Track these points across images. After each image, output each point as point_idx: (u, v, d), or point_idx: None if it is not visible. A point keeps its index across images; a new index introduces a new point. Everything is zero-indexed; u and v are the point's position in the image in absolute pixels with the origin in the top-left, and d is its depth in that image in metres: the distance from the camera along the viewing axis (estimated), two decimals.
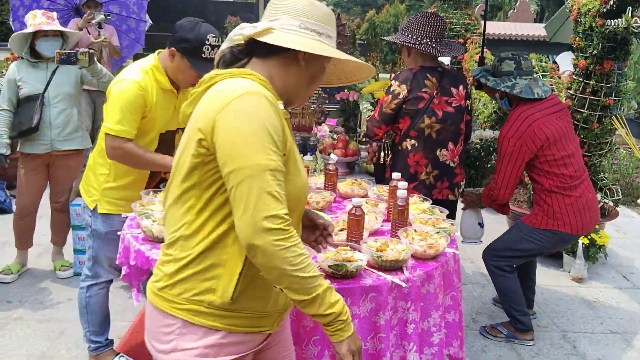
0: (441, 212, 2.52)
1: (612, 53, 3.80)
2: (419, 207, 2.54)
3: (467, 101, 3.05)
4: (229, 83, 1.39)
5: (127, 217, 2.43)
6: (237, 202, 1.28)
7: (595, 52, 3.80)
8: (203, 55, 2.35)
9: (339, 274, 1.90)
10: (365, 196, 2.84)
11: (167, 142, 2.60)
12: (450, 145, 2.98)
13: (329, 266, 1.90)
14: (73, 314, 3.31)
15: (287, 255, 1.28)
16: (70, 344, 3.04)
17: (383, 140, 3.15)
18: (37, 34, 3.53)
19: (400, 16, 20.58)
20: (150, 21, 6.17)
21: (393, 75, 3.09)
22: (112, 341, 2.86)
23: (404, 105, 2.90)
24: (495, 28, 15.91)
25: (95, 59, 3.47)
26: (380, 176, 3.15)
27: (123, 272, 2.28)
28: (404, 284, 1.93)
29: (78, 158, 3.86)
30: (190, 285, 1.40)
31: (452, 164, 3.00)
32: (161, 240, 2.09)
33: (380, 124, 2.96)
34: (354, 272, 1.91)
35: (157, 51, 2.50)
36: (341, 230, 2.22)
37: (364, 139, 3.33)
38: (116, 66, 6.38)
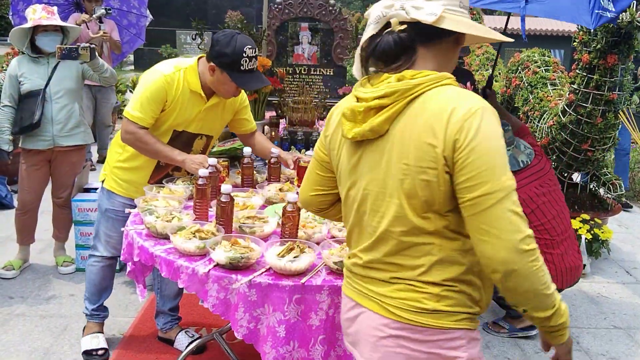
0: None
1: (616, 47, 3.78)
2: None
3: None
4: (448, 96, 1.26)
5: (130, 212, 2.41)
6: (489, 226, 1.20)
7: (599, 46, 3.78)
8: (242, 67, 2.39)
9: (342, 271, 1.88)
10: None
11: (181, 142, 2.63)
12: None
13: (334, 263, 1.89)
14: (76, 309, 3.31)
15: (539, 274, 1.22)
16: (74, 340, 3.03)
17: None
18: (37, 29, 3.51)
19: None
20: (151, 16, 6.15)
21: None
22: (100, 315, 2.97)
23: None
24: (496, 22, 15.87)
25: (97, 53, 3.47)
26: None
27: (128, 268, 2.28)
28: None
29: (80, 154, 3.85)
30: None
31: None
32: (165, 237, 2.08)
33: None
34: None
35: (199, 55, 2.55)
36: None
37: None
38: (117, 61, 6.36)
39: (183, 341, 2.92)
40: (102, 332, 2.97)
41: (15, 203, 3.90)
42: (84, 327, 2.98)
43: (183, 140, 2.64)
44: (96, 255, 2.84)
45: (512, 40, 1.52)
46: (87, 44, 3.36)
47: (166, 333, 2.98)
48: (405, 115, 1.28)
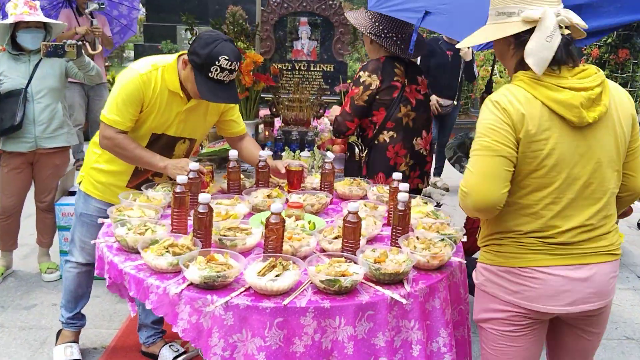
0: (446, 215, 2.31)
1: (628, 41, 3.57)
2: (421, 210, 2.33)
3: (429, 89, 3.07)
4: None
5: (103, 222, 2.23)
6: None
7: (610, 40, 3.57)
8: (210, 74, 2.20)
9: (332, 290, 1.70)
10: (365, 197, 2.64)
11: (161, 146, 2.45)
12: (424, 133, 2.94)
13: (320, 281, 1.70)
14: (56, 321, 3.13)
15: None
16: (53, 354, 2.86)
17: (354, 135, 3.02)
18: (18, 25, 3.33)
19: None
20: (144, 9, 6.00)
21: (361, 65, 2.94)
22: (76, 323, 2.81)
23: (377, 97, 2.78)
24: None
25: (83, 51, 3.29)
26: (354, 175, 2.89)
27: (107, 282, 2.09)
28: (404, 300, 1.73)
29: (64, 156, 3.67)
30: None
31: (424, 152, 2.96)
32: (136, 251, 1.90)
33: (353, 117, 2.83)
34: (349, 287, 1.71)
35: (179, 52, 2.37)
36: (336, 237, 2.01)
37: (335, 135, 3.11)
38: (107, 52, 6.23)
39: (167, 356, 2.75)
40: (77, 342, 2.80)
41: None
42: (58, 335, 2.82)
43: (163, 144, 2.46)
44: (72, 261, 2.68)
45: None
46: (74, 41, 3.19)
47: (149, 347, 2.80)
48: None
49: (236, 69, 2.24)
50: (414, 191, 2.80)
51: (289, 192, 2.56)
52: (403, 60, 2.86)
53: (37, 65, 3.41)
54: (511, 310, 1.73)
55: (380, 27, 2.79)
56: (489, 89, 2.95)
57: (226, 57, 2.18)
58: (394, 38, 2.79)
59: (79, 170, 2.69)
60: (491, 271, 1.76)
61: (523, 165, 1.65)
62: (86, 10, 5.46)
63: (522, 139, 1.62)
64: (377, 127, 2.84)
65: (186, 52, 2.31)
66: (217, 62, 2.17)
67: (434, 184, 6.03)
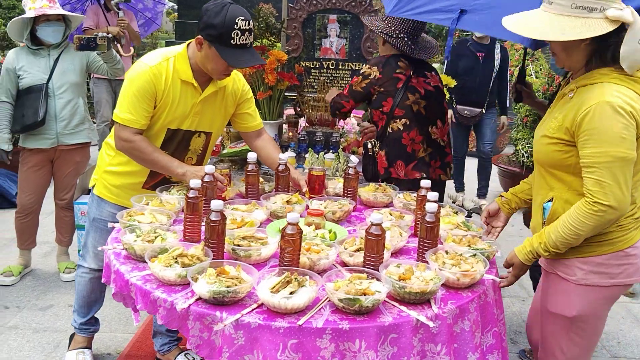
0: (479, 227, 2.14)
1: None
2: (451, 220, 2.17)
3: (442, 85, 3.01)
4: None
5: (113, 227, 2.13)
6: None
7: None
8: (232, 42, 2.08)
9: (351, 310, 1.56)
10: (390, 205, 2.49)
11: (177, 142, 2.34)
12: (439, 123, 2.92)
13: (339, 300, 1.56)
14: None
15: None
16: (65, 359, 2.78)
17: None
18: (38, 19, 3.27)
19: None
20: (171, 3, 5.96)
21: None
22: (89, 329, 2.71)
23: (381, 88, 2.84)
24: None
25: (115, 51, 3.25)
26: (371, 170, 2.92)
27: (113, 290, 1.99)
28: (431, 323, 1.57)
29: (84, 152, 3.61)
30: None
31: (442, 143, 2.92)
32: (144, 260, 1.78)
33: (349, 99, 2.94)
34: (370, 307, 1.56)
35: (188, 41, 2.26)
36: (358, 250, 1.87)
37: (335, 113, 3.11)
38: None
39: None
40: (90, 348, 2.71)
41: None
42: (70, 339, 2.73)
43: (179, 139, 2.34)
44: (84, 267, 2.59)
45: None
46: (105, 34, 3.16)
47: (164, 355, 2.70)
48: None
49: (253, 28, 2.14)
50: (437, 183, 2.80)
51: (310, 198, 2.42)
52: (411, 58, 2.89)
53: (57, 60, 3.35)
54: (612, 292, 1.85)
55: (392, 28, 2.88)
56: (522, 79, 2.73)
57: (242, 18, 2.08)
58: (405, 38, 2.88)
59: None
60: (594, 263, 1.81)
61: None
62: (112, 2, 5.43)
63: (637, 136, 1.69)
64: (387, 116, 2.86)
65: (193, 40, 2.20)
66: (235, 26, 2.06)
67: (480, 207, 5.41)
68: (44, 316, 3.17)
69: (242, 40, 2.10)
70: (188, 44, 2.25)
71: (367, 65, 2.90)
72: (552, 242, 1.80)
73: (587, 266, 1.81)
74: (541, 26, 1.70)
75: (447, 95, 3.37)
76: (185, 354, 2.69)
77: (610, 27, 1.63)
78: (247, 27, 2.10)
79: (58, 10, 3.29)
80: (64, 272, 3.62)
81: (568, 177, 1.84)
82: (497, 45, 5.28)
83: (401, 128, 2.82)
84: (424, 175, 2.80)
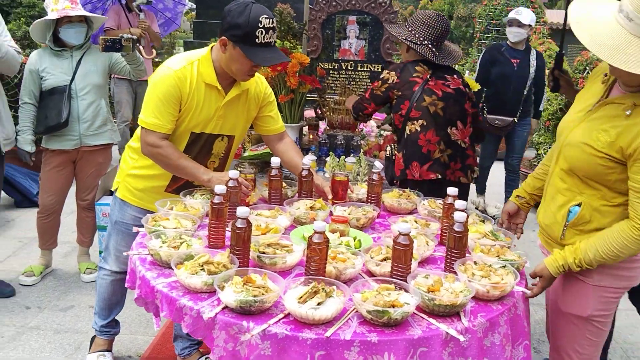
0: (506, 237, 2.10)
1: None
2: (478, 229, 2.13)
3: (467, 89, 2.99)
4: None
5: (137, 231, 2.12)
6: None
7: None
8: (257, 40, 2.08)
9: (379, 322, 1.53)
10: (414, 211, 2.45)
11: (200, 145, 2.33)
12: (460, 124, 2.89)
13: (367, 311, 1.53)
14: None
15: None
16: None
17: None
18: (60, 21, 3.28)
19: (455, 3, 19.78)
20: (190, 4, 5.97)
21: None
22: (110, 331, 2.72)
23: (399, 92, 2.88)
24: (557, 17, 14.98)
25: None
26: (390, 172, 2.96)
27: (135, 295, 1.98)
28: (462, 337, 1.54)
29: (106, 153, 3.62)
30: None
31: (463, 145, 2.89)
32: (170, 267, 1.77)
33: (370, 101, 3.01)
34: (399, 320, 1.54)
35: (211, 44, 2.26)
36: (384, 259, 1.84)
37: (353, 115, 3.14)
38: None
39: None
40: (110, 351, 2.72)
41: None
42: (91, 342, 2.74)
43: (202, 142, 2.33)
44: (106, 269, 2.59)
45: None
46: (130, 35, 3.18)
47: (185, 359, 2.69)
48: None
49: (276, 26, 2.14)
50: (455, 185, 2.77)
51: (333, 203, 2.40)
52: (430, 62, 2.91)
53: (79, 61, 3.37)
54: (622, 292, 1.92)
55: (417, 36, 2.91)
56: (559, 65, 2.66)
57: (265, 16, 2.08)
58: (429, 45, 2.90)
59: None
60: (611, 267, 1.83)
61: None
62: (134, 4, 5.44)
63: None
64: (404, 118, 2.88)
65: (216, 43, 2.20)
66: (259, 25, 2.06)
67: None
68: (65, 317, 3.18)
69: (267, 39, 2.10)
70: (212, 47, 2.24)
71: (386, 71, 2.98)
72: (588, 259, 1.79)
73: (604, 269, 1.85)
74: (612, 45, 1.59)
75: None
76: (205, 358, 2.68)
77: None
78: (271, 25, 2.10)
79: (80, 11, 3.30)
80: (84, 273, 3.64)
81: (603, 188, 1.80)
82: (533, 52, 5.00)
83: (418, 129, 2.83)
84: (439, 177, 2.78)
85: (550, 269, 1.86)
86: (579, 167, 1.85)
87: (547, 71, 4.63)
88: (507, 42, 5.01)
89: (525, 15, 4.85)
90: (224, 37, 2.12)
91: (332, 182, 2.47)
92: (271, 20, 2.10)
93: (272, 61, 2.14)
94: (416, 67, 2.90)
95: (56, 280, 3.61)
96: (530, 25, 4.88)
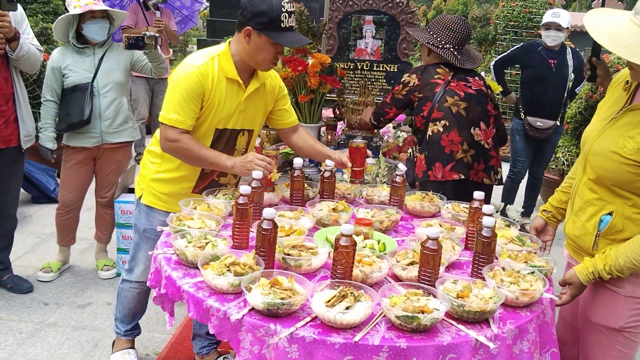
0: (533, 242, 2.07)
1: None
2: (504, 234, 2.10)
3: (489, 90, 2.99)
4: None
5: (162, 230, 2.12)
6: None
7: None
8: (282, 25, 2.10)
9: (408, 328, 1.51)
10: (437, 214, 2.43)
11: (224, 141, 2.33)
12: (482, 125, 2.88)
13: (396, 317, 1.51)
14: (110, 321, 3.09)
15: None
16: (104, 358, 2.79)
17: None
18: (83, 17, 3.29)
19: (469, 4, 19.68)
20: (207, 3, 6.00)
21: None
22: (133, 332, 2.74)
23: (420, 94, 2.90)
24: (574, 19, 14.85)
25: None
26: (411, 174, 2.95)
27: (154, 294, 1.98)
28: (492, 345, 1.52)
29: (127, 151, 3.63)
30: None
31: (486, 146, 2.89)
32: (196, 267, 1.77)
33: (391, 106, 3.02)
34: (428, 326, 1.52)
35: (228, 39, 2.27)
36: (410, 264, 1.82)
37: (373, 122, 3.17)
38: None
39: None
40: (134, 348, 2.72)
41: None
42: (114, 342, 2.74)
43: (226, 138, 2.33)
44: (131, 281, 2.55)
45: None
46: (153, 33, 3.22)
47: (203, 358, 2.69)
48: None
49: (295, 10, 2.19)
50: (479, 186, 2.79)
51: (351, 176, 2.52)
52: (453, 66, 2.92)
53: (101, 58, 3.37)
54: None
55: (438, 39, 2.93)
56: (596, 52, 2.58)
57: (287, 0, 2.11)
58: (451, 49, 2.93)
59: (139, 163, 2.59)
60: None
61: None
62: (150, 2, 5.46)
63: None
64: (425, 119, 2.89)
65: (232, 37, 2.23)
66: (283, 9, 2.09)
67: (523, 226, 4.95)
68: (83, 314, 3.19)
69: (290, 22, 2.14)
70: (229, 42, 2.25)
71: (407, 74, 2.98)
72: (619, 266, 1.75)
73: (637, 279, 1.81)
74: (633, 44, 1.60)
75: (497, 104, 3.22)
76: (224, 357, 2.67)
77: None
78: (293, 9, 2.14)
79: (103, 6, 3.31)
80: (102, 270, 3.65)
81: (633, 196, 1.77)
82: (569, 50, 4.76)
83: (441, 130, 2.83)
84: (462, 177, 2.78)
85: (580, 277, 1.83)
86: (607, 176, 1.82)
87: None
88: (544, 41, 4.74)
89: (563, 17, 4.63)
90: (248, 27, 2.13)
91: (350, 150, 2.50)
92: (291, 3, 2.13)
93: (299, 43, 2.18)
94: (437, 70, 2.91)
95: (74, 277, 3.62)
96: (567, 28, 4.66)
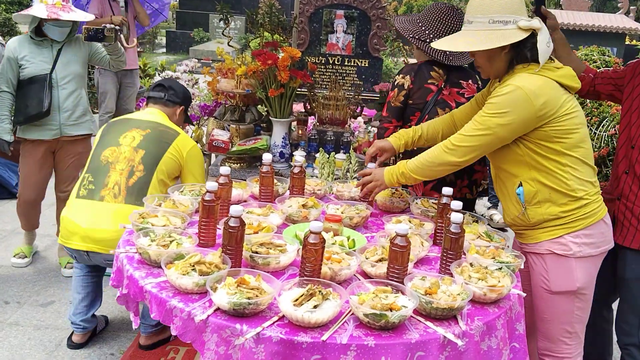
0: (501, 238, 2.08)
1: None
2: (472, 229, 2.11)
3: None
4: None
5: (124, 227, 2.06)
6: None
7: None
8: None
9: (376, 325, 1.50)
10: (406, 210, 2.43)
11: None
12: None
13: (364, 315, 1.50)
14: None
15: None
16: (67, 357, 2.72)
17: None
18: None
19: None
20: None
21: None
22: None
23: (410, 101, 2.65)
24: (573, 18, 15.04)
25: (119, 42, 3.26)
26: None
27: (118, 293, 1.92)
28: (459, 342, 1.51)
29: (86, 144, 3.54)
30: None
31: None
32: (159, 265, 1.72)
33: (390, 118, 2.71)
34: (397, 323, 1.50)
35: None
36: (379, 260, 1.80)
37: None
38: (142, 31, 6.13)
39: None
40: None
41: None
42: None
43: None
44: None
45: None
46: (113, 26, 3.20)
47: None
48: None
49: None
50: (462, 200, 2.44)
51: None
52: (447, 65, 2.65)
53: (60, 50, 3.29)
54: (599, 260, 2.04)
55: (427, 32, 2.65)
56: (541, 1, 2.41)
57: None
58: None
59: None
60: (583, 235, 1.96)
61: None
62: None
63: None
64: None
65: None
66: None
67: (498, 221, 4.97)
68: (45, 313, 3.09)
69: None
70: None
71: (400, 75, 2.69)
72: (412, 166, 2.09)
73: (579, 239, 1.96)
74: (467, 41, 1.94)
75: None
76: None
77: (524, 35, 1.88)
78: None
79: (71, 15, 3.18)
80: (65, 267, 3.55)
81: (514, 166, 2.00)
82: None
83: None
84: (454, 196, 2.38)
85: (385, 177, 2.17)
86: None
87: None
88: None
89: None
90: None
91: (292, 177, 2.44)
92: None
93: None
94: (431, 73, 2.64)
95: (36, 275, 3.51)
96: None
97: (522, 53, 1.92)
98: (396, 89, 2.67)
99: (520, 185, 1.98)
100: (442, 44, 2.03)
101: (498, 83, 2.03)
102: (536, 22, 1.89)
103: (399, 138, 2.39)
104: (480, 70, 2.05)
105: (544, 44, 1.88)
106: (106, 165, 2.55)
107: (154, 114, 2.73)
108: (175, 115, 2.83)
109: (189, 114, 3.15)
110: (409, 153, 2.51)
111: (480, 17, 1.91)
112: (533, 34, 1.90)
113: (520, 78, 1.90)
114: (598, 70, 2.44)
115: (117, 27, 3.18)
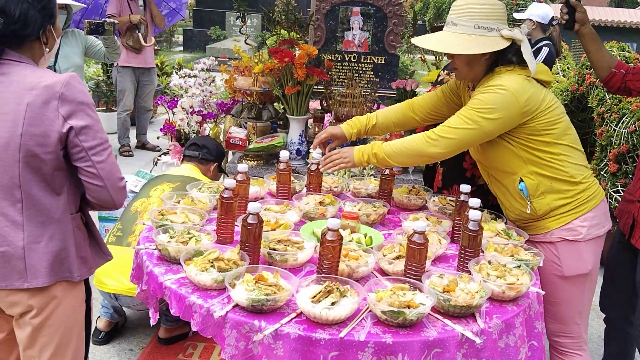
0: (519, 235, 2.07)
1: None
2: (490, 227, 2.09)
3: None
4: None
5: (144, 224, 2.08)
6: None
7: None
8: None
9: (394, 323, 1.50)
10: (423, 208, 2.42)
11: None
12: None
13: (382, 312, 1.50)
14: None
15: None
16: None
17: None
18: None
19: None
20: None
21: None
22: None
23: None
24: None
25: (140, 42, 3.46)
26: (429, 182, 2.76)
27: (137, 290, 1.95)
28: (478, 339, 1.51)
29: None
30: None
31: None
32: (178, 262, 1.74)
33: None
34: (414, 320, 1.50)
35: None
36: (397, 258, 1.80)
37: None
38: (157, 32, 6.22)
39: None
40: None
41: None
42: None
43: None
44: None
45: None
46: (112, 20, 3.38)
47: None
48: None
49: None
50: (493, 208, 2.33)
51: None
52: None
53: (59, 43, 3.39)
54: (603, 240, 2.08)
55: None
56: None
57: None
58: None
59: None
60: (589, 217, 2.01)
61: None
62: None
63: None
64: None
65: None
66: None
67: None
68: None
69: None
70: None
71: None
72: (389, 150, 2.06)
73: (587, 222, 2.01)
74: (451, 43, 1.94)
75: None
76: None
77: (505, 44, 1.92)
78: None
79: None
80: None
81: (509, 164, 2.02)
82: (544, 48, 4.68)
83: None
84: (481, 206, 2.17)
85: (355, 152, 2.12)
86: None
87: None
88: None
89: (528, 11, 4.76)
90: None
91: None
92: None
93: None
94: None
95: None
96: (538, 22, 4.71)
97: (505, 58, 1.96)
98: (438, 85, 2.56)
99: (521, 180, 2.00)
100: (424, 42, 2.01)
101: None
102: (517, 33, 1.93)
103: (352, 126, 2.37)
104: (456, 72, 2.06)
105: (528, 54, 1.93)
106: (134, 214, 2.68)
107: (187, 170, 2.87)
108: (209, 171, 2.96)
109: (210, 111, 3.21)
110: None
111: (466, 21, 1.93)
112: (513, 45, 1.94)
113: (503, 78, 1.93)
114: (630, 66, 2.38)
115: (115, 22, 3.39)
